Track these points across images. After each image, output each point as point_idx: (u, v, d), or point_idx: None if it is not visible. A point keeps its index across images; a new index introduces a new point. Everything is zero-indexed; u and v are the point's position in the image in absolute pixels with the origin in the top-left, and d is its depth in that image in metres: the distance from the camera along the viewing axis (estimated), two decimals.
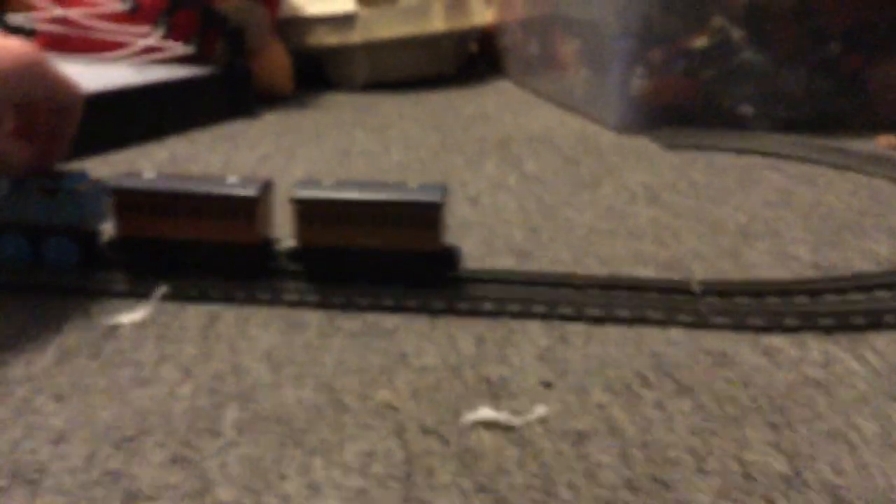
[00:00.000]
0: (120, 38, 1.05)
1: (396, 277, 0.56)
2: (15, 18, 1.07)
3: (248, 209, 0.54)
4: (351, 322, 0.51)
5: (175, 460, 0.39)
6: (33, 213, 0.57)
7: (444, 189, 0.55)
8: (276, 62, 1.20)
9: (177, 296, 0.54)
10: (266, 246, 0.57)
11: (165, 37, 1.04)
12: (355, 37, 1.27)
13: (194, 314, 0.53)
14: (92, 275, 0.56)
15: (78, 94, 0.56)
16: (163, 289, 0.54)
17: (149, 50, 1.05)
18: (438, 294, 0.54)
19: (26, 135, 0.56)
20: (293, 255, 0.56)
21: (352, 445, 0.40)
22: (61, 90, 0.55)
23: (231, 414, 0.42)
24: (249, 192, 0.54)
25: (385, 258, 0.55)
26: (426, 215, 0.55)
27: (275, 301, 0.54)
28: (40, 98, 0.55)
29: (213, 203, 0.55)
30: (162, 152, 0.91)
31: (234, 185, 0.55)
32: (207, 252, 0.56)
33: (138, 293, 0.54)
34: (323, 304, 0.53)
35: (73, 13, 1.06)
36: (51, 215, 0.56)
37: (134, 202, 0.55)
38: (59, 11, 1.06)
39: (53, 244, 0.57)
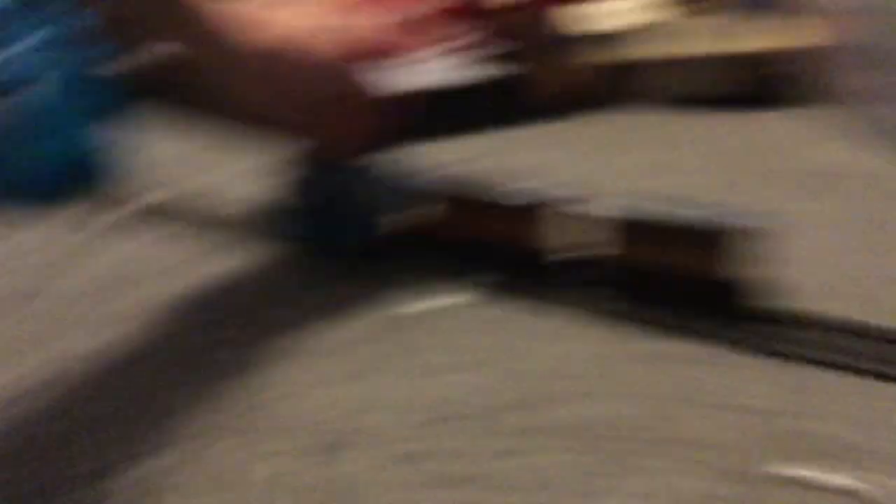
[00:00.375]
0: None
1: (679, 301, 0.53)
2: None
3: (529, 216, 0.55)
4: (642, 344, 0.48)
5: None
6: (332, 198, 0.59)
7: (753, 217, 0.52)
8: (576, 72, 1.14)
9: (480, 291, 0.54)
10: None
11: (486, 37, 1.05)
12: (655, 51, 1.21)
13: (498, 311, 0.52)
14: (398, 262, 0.58)
15: (387, 93, 0.58)
16: (466, 282, 0.54)
17: (468, 48, 1.05)
18: (749, 331, 0.49)
19: (339, 122, 0.58)
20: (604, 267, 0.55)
21: (635, 479, 0.36)
22: (373, 88, 0.57)
23: (511, 419, 0.41)
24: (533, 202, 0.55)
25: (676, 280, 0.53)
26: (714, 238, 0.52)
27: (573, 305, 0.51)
28: (348, 96, 0.56)
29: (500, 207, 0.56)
30: (468, 150, 0.88)
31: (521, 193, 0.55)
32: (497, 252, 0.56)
33: (440, 284, 0.55)
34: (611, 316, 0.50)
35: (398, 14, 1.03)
36: (347, 202, 0.59)
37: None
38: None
39: (346, 229, 0.60)
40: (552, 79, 1.15)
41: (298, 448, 0.38)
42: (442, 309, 0.53)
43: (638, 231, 0.53)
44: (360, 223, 0.60)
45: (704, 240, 0.52)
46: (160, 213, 0.63)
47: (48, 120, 0.67)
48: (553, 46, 1.16)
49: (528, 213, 0.56)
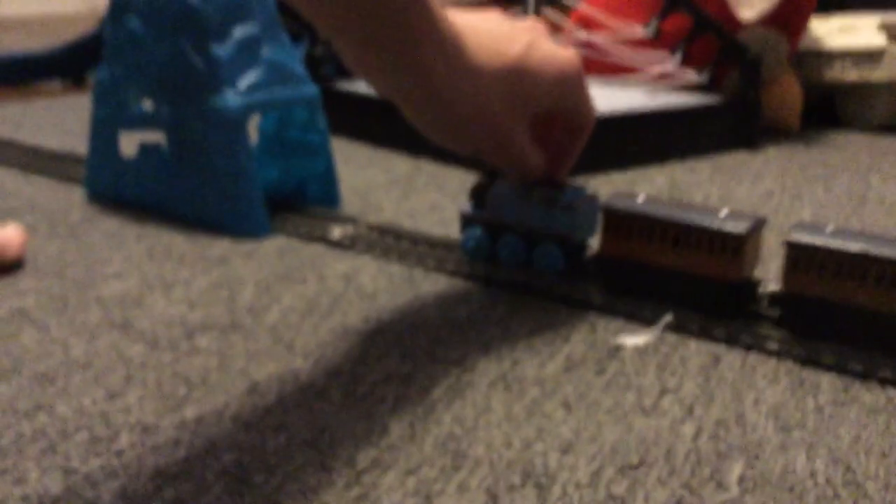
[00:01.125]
0: (636, 63, 1.04)
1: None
2: None
3: (735, 246, 0.51)
4: (870, 395, 0.42)
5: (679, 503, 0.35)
6: (531, 219, 0.58)
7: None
8: (787, 96, 1.11)
9: (678, 328, 0.51)
10: (748, 286, 0.53)
11: (681, 63, 1.01)
12: (880, 74, 1.17)
13: (696, 350, 0.49)
14: (595, 290, 0.55)
15: (594, 115, 0.56)
16: (667, 318, 0.51)
17: (662, 76, 1.02)
18: None
19: (542, 143, 0.57)
20: (775, 299, 0.51)
21: None
22: (585, 109, 0.55)
23: (736, 468, 0.37)
24: (738, 228, 0.51)
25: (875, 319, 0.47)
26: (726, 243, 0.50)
27: (783, 353, 0.46)
28: (567, 111, 0.55)
29: (699, 235, 0.52)
30: (661, 177, 0.86)
31: (724, 219, 0.52)
32: (686, 283, 0.52)
33: (641, 317, 0.52)
34: (837, 368, 0.45)
35: (599, 38, 1.05)
36: (546, 223, 0.58)
37: (621, 223, 0.54)
38: (584, 35, 1.07)
39: (544, 250, 0.58)
40: (778, 100, 1.09)
41: (481, 486, 0.35)
42: (648, 344, 0.48)
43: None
44: (565, 247, 0.57)
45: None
46: (365, 239, 0.62)
47: (298, 138, 0.71)
48: (787, 66, 1.11)
49: (734, 242, 0.51)
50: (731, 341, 0.49)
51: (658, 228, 0.53)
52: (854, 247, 0.48)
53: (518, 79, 0.50)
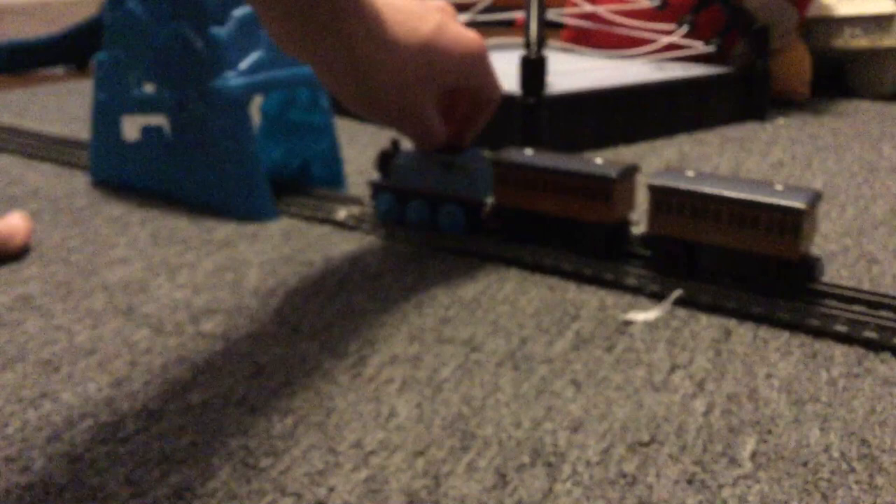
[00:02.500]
0: (642, 35, 1.03)
1: (749, 281, 0.50)
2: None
3: (607, 190, 0.54)
4: (884, 366, 0.42)
5: (690, 481, 0.35)
6: (432, 184, 0.62)
7: (814, 195, 0.50)
8: (795, 65, 1.10)
9: (689, 301, 0.50)
10: (621, 228, 0.57)
11: (687, 34, 1.00)
12: (890, 40, 1.15)
13: (706, 324, 0.48)
14: (612, 267, 0.55)
15: (499, 92, 0.60)
16: (677, 292, 0.51)
17: (668, 47, 1.01)
18: None
19: (447, 115, 0.60)
20: (643, 240, 0.55)
21: None
22: (490, 86, 0.59)
23: (749, 444, 0.37)
24: (610, 173, 0.55)
25: (740, 260, 0.50)
26: (786, 220, 0.48)
27: (796, 326, 0.46)
28: (473, 87, 0.58)
29: (579, 181, 0.56)
30: (670, 150, 0.85)
31: (599, 165, 0.55)
32: (568, 227, 0.57)
33: (650, 292, 0.52)
34: (850, 339, 0.44)
35: (603, 9, 1.04)
36: (446, 186, 0.62)
37: (510, 176, 0.59)
38: (589, 7, 1.06)
39: (446, 211, 0.62)
40: (786, 70, 1.08)
41: (491, 466, 0.35)
42: (660, 319, 0.48)
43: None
44: (465, 207, 0.60)
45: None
46: (371, 220, 0.62)
47: (301, 119, 0.71)
48: (795, 34, 1.09)
49: (604, 186, 0.54)
50: (743, 315, 0.47)
51: (540, 179, 0.57)
52: (708, 189, 0.51)
53: (430, 55, 0.54)
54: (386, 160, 0.64)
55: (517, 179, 0.58)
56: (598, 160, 0.56)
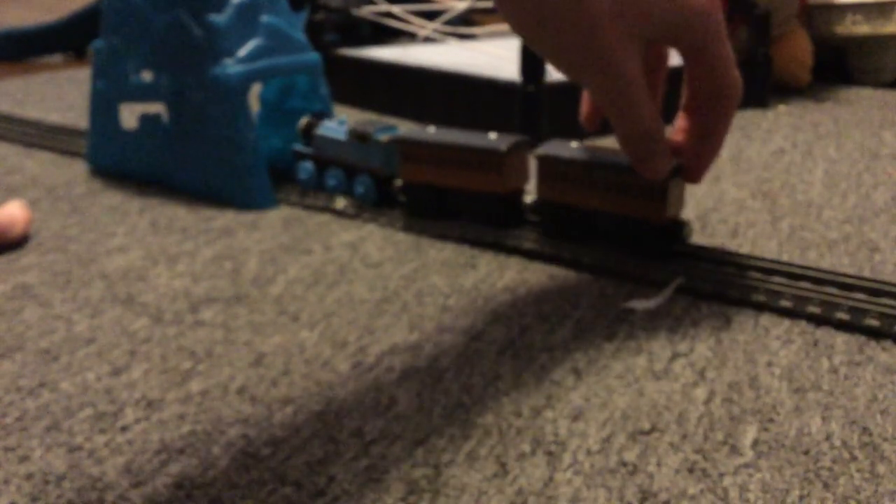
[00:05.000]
0: None
1: (623, 245, 0.54)
2: None
3: (498, 162, 0.58)
4: (886, 354, 0.42)
5: (691, 469, 0.35)
6: (349, 155, 0.65)
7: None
8: (796, 51, 1.10)
9: (688, 289, 0.50)
10: (515, 197, 0.60)
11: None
12: (892, 27, 1.14)
13: (707, 313, 0.48)
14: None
15: (738, 84, 0.46)
16: (678, 281, 0.50)
17: None
18: None
19: (653, 88, 0.50)
20: (533, 207, 0.59)
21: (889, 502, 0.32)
22: (721, 66, 0.45)
23: (750, 432, 0.37)
24: (500, 146, 0.58)
25: (615, 224, 0.54)
26: (653, 186, 0.51)
27: (798, 312, 0.46)
28: (692, 54, 0.45)
29: (471, 154, 0.58)
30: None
31: (492, 139, 0.58)
32: (468, 201, 0.59)
33: (653, 280, 0.51)
34: (851, 327, 0.44)
35: None
36: (360, 158, 0.65)
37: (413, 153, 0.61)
38: None
39: (360, 181, 0.65)
40: (788, 56, 1.08)
41: (491, 455, 0.35)
42: (658, 308, 0.48)
43: None
44: (376, 178, 0.63)
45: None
46: (370, 208, 0.62)
47: (300, 107, 0.72)
48: (796, 21, 1.09)
49: (496, 159, 0.57)
50: (744, 302, 0.47)
51: (437, 155, 0.59)
52: (585, 157, 0.54)
53: None
54: (308, 130, 0.68)
55: (418, 155, 0.61)
56: (493, 135, 0.59)
